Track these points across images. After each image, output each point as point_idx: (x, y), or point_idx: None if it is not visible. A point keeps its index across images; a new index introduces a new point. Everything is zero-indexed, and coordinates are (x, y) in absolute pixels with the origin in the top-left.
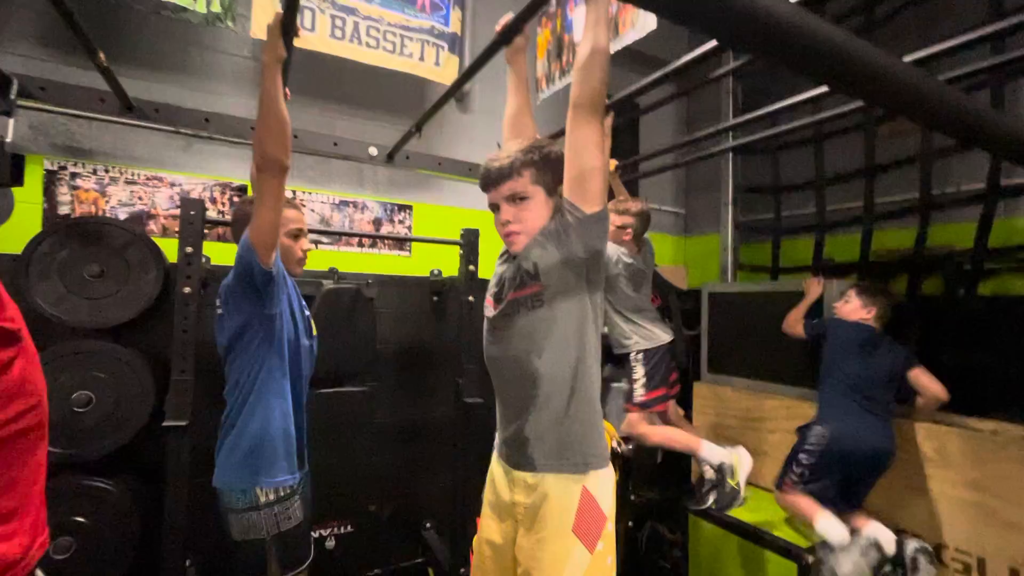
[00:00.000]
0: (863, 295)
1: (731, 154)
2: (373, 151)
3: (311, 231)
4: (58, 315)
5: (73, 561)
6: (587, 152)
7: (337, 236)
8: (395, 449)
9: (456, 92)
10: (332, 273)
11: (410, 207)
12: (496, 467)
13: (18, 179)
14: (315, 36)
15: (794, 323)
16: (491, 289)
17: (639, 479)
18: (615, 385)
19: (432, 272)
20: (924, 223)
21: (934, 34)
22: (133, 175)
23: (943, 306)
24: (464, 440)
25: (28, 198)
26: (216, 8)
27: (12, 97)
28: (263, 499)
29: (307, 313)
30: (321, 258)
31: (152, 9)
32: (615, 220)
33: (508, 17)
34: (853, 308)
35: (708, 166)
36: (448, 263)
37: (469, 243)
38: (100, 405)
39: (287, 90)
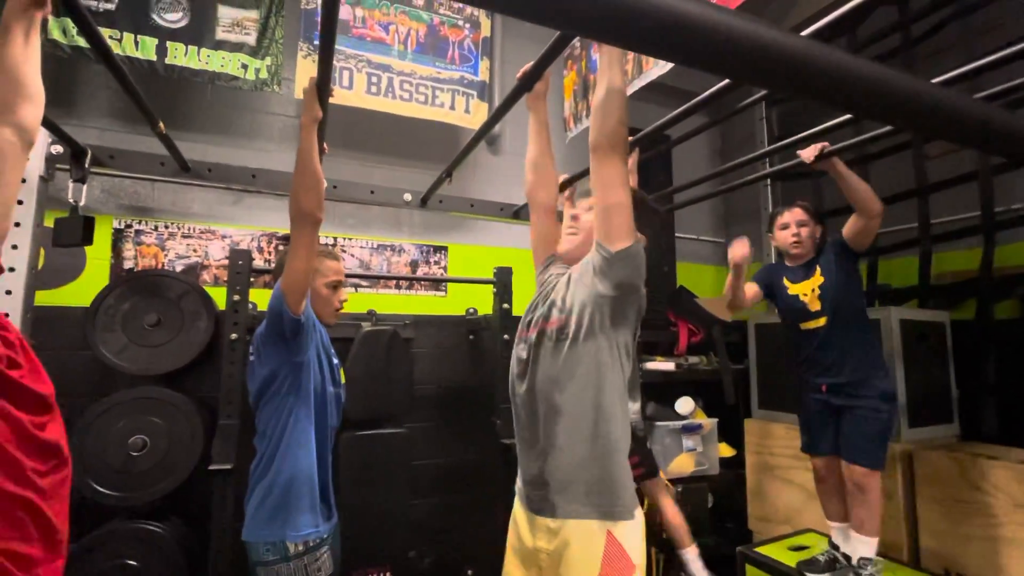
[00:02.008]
0: (803, 208)
1: (769, 181)
2: (408, 197)
3: (351, 276)
4: (121, 364)
5: None
6: (611, 189)
7: (375, 279)
8: (434, 492)
9: (484, 137)
10: (370, 315)
11: (445, 248)
12: (519, 511)
13: (89, 240)
14: (352, 93)
15: (731, 299)
16: (525, 316)
17: (690, 525)
18: (660, 424)
19: (468, 311)
20: (989, 243)
21: (977, 50)
22: (189, 229)
23: (1020, 331)
24: (503, 483)
25: (98, 255)
26: (264, 75)
27: (86, 166)
28: (292, 551)
29: (335, 361)
30: (360, 301)
31: (208, 80)
32: None
33: (529, 65)
34: (811, 231)
35: (746, 194)
36: (483, 302)
37: (502, 282)
38: (154, 449)
39: (324, 145)
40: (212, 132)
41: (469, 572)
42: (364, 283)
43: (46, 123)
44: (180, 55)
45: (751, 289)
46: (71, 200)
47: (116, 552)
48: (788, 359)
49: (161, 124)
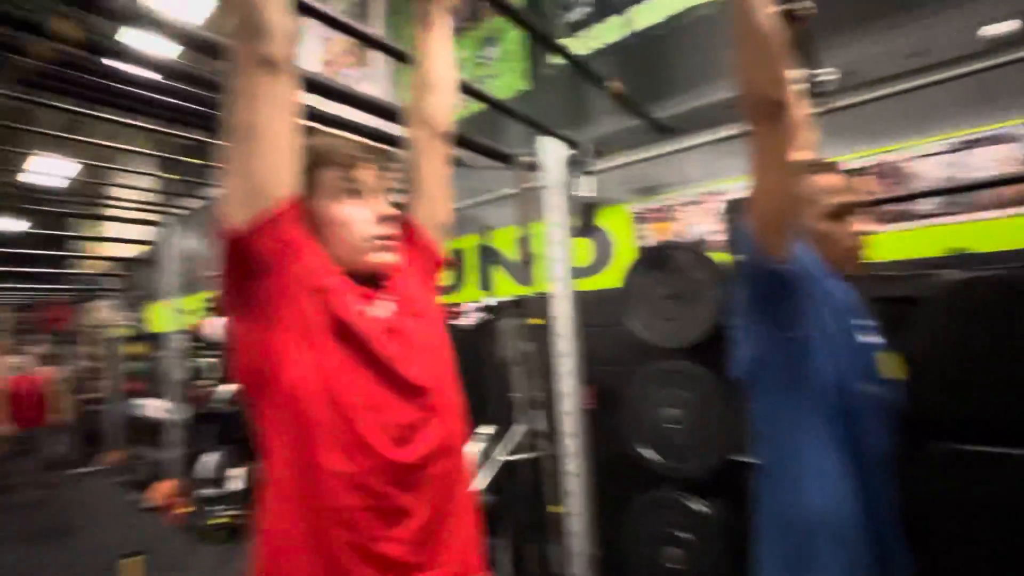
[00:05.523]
0: None
1: None
2: (991, 30)
3: (903, 198)
4: (647, 337)
5: (684, 573)
6: None
7: (940, 194)
8: None
9: None
10: (952, 258)
11: None
12: None
13: (588, 225)
14: None
15: None
16: None
17: None
18: None
19: None
20: None
21: None
22: (694, 196)
23: None
24: None
25: (625, 239)
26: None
27: (587, 159)
28: None
29: (867, 340)
30: (932, 239)
31: (666, 29)
32: None
33: None
34: None
35: None
36: None
37: None
38: (686, 423)
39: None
40: (679, 89)
41: None
42: (937, 208)
43: (554, 134)
44: (639, 17)
45: None
46: (574, 192)
47: (667, 520)
48: None
49: (615, 83)
